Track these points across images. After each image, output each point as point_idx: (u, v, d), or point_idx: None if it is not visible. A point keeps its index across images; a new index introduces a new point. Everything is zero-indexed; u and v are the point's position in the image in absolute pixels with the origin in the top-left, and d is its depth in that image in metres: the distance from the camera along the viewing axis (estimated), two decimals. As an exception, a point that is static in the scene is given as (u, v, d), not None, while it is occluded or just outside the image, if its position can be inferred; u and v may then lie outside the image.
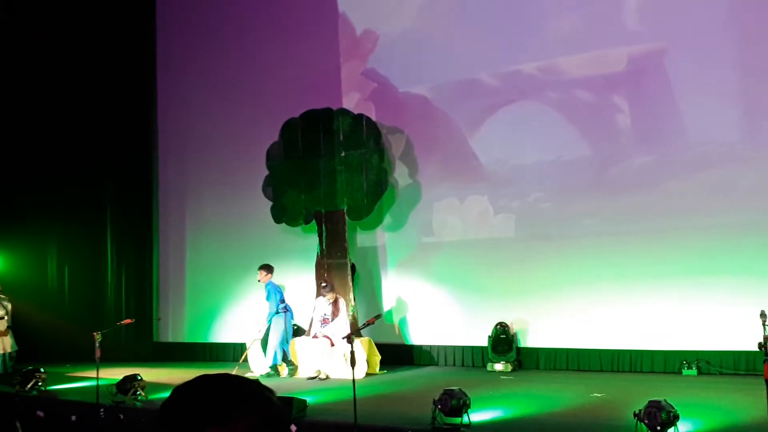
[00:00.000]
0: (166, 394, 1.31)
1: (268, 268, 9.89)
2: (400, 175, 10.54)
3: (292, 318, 9.71)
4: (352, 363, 6.03)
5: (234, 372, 9.26)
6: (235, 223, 11.89)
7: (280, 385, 8.26)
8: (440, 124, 10.37)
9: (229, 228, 11.95)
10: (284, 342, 9.62)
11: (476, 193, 10.09)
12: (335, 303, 9.57)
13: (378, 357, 9.62)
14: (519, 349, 9.56)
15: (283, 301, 9.81)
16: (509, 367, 9.34)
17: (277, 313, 9.70)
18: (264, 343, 9.72)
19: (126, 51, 12.69)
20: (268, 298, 9.79)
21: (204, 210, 12.27)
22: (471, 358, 10.01)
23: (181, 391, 1.35)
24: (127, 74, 12.64)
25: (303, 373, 9.45)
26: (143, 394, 7.83)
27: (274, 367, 9.61)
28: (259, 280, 9.90)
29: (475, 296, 9.98)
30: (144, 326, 12.29)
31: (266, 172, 10.81)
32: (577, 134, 9.48)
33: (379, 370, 9.62)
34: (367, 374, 9.32)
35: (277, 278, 10.89)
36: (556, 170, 9.55)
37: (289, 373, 9.59)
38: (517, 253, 9.76)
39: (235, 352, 11.50)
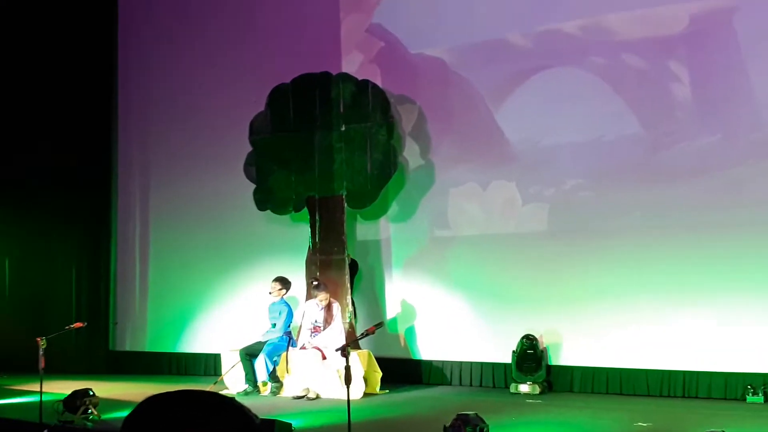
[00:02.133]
0: (124, 414, 1.32)
1: (284, 282, 9.96)
2: (410, 154, 10.52)
3: (294, 345, 9.70)
4: (347, 380, 6.03)
5: (210, 389, 9.31)
6: (210, 210, 11.91)
7: (260, 406, 8.25)
8: (460, 93, 10.36)
9: (202, 217, 11.97)
10: (275, 360, 9.62)
11: (501, 178, 10.05)
12: (328, 307, 9.59)
13: (379, 374, 9.62)
14: (549, 368, 9.57)
15: (290, 324, 9.87)
16: (537, 389, 9.34)
17: (282, 336, 9.74)
18: (246, 359, 9.72)
19: (83, 7, 12.66)
20: (276, 316, 9.82)
21: (172, 195, 12.30)
22: (491, 377, 10.01)
23: (149, 404, 1.36)
24: (81, 35, 12.61)
25: (289, 391, 9.47)
26: (96, 413, 7.83)
27: (255, 383, 9.60)
28: (270, 293, 9.92)
29: (497, 302, 9.97)
30: (98, 332, 12.33)
31: (249, 149, 10.79)
32: (625, 108, 9.44)
33: (380, 389, 9.63)
34: (365, 394, 9.32)
35: (257, 277, 10.87)
36: (598, 151, 9.53)
37: (272, 392, 9.60)
38: (550, 251, 9.73)
39: (207, 365, 11.55)
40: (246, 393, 9.60)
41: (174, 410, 1.35)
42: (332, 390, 9.20)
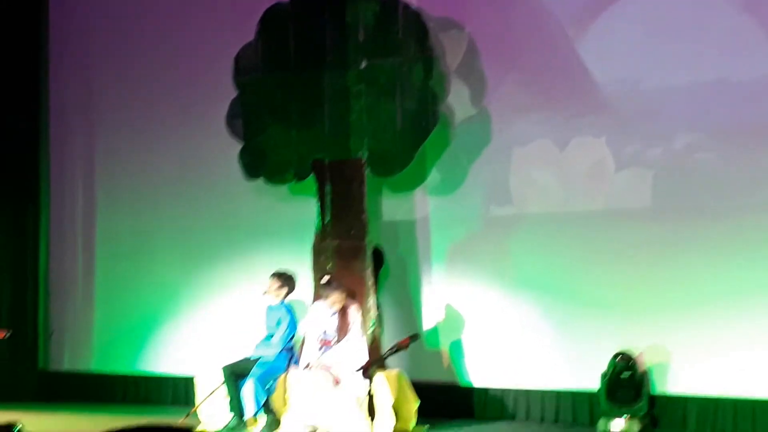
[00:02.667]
0: None
1: (286, 279, 9.95)
2: (457, 100, 10.49)
3: (296, 363, 9.71)
4: (371, 413, 5.93)
5: (180, 423, 9.26)
6: (178, 180, 11.96)
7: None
8: (526, 16, 10.38)
9: (167, 190, 12.03)
10: (269, 386, 9.62)
11: (586, 134, 10.06)
12: (343, 313, 9.59)
13: (415, 404, 9.52)
14: (653, 398, 9.55)
15: (292, 338, 9.90)
16: (636, 427, 9.31)
17: (281, 353, 9.76)
18: (231, 381, 9.68)
19: None
20: (274, 327, 9.86)
21: (126, 161, 12.35)
22: (571, 410, 10.03)
23: None
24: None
25: (289, 427, 9.40)
26: (23, 455, 7.75)
27: (241, 414, 9.60)
28: (265, 292, 9.94)
29: (579, 308, 9.97)
30: (25, 344, 12.37)
31: (233, 94, 10.80)
32: (763, 36, 9.39)
33: (416, 425, 9.54)
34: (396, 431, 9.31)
35: (245, 273, 10.86)
36: (723, 97, 9.50)
37: (265, 428, 9.57)
38: (654, 236, 9.71)
39: (176, 391, 11.56)
40: (229, 428, 9.59)
41: None
42: (349, 426, 9.05)
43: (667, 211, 9.74)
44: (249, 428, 9.64)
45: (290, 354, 9.83)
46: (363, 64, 10.29)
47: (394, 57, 10.19)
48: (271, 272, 10.01)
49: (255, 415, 9.59)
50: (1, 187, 12.69)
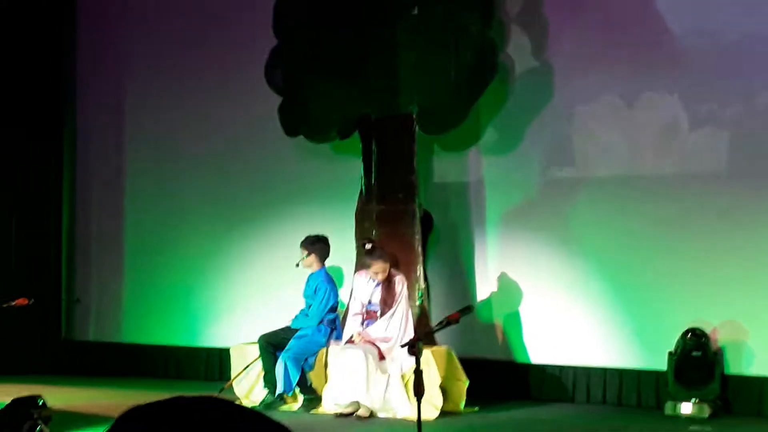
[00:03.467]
0: None
1: (316, 245, 10.04)
2: (517, 52, 10.48)
3: (338, 338, 9.82)
4: (418, 392, 6.03)
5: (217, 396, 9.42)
6: (211, 138, 12.00)
7: (289, 427, 8.27)
8: None
9: (203, 148, 12.07)
10: (308, 360, 9.74)
11: (658, 89, 10.00)
12: (388, 283, 9.65)
13: (465, 383, 9.63)
14: (726, 379, 9.53)
15: (335, 309, 9.99)
16: (707, 411, 9.30)
17: (319, 325, 9.87)
18: (268, 352, 9.79)
19: None
20: (312, 296, 9.98)
21: (154, 120, 12.39)
22: (636, 392, 10.02)
23: (130, 420, 1.44)
24: None
25: (329, 405, 9.56)
26: (47, 431, 7.92)
27: (280, 395, 9.73)
28: (298, 264, 10.06)
29: (647, 279, 9.95)
30: (48, 313, 12.51)
31: (272, 43, 10.81)
32: None
33: (466, 406, 9.65)
34: (444, 413, 9.33)
35: (285, 238, 10.91)
36: None
37: (303, 405, 9.72)
38: (731, 201, 9.67)
39: (210, 364, 11.71)
40: (265, 404, 9.71)
41: (170, 428, 1.41)
42: (394, 405, 9.23)
43: (745, 175, 9.67)
44: (287, 405, 9.78)
45: (331, 326, 9.91)
46: (414, 11, 10.27)
47: (447, 3, 10.15)
48: (300, 240, 10.11)
49: (286, 393, 9.69)
50: (24, 145, 12.78)
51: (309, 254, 10.02)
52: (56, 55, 12.84)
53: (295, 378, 9.67)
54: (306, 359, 9.76)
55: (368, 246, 9.84)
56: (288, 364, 9.64)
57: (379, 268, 9.58)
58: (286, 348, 9.72)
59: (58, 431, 8.00)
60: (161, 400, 1.47)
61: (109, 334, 12.60)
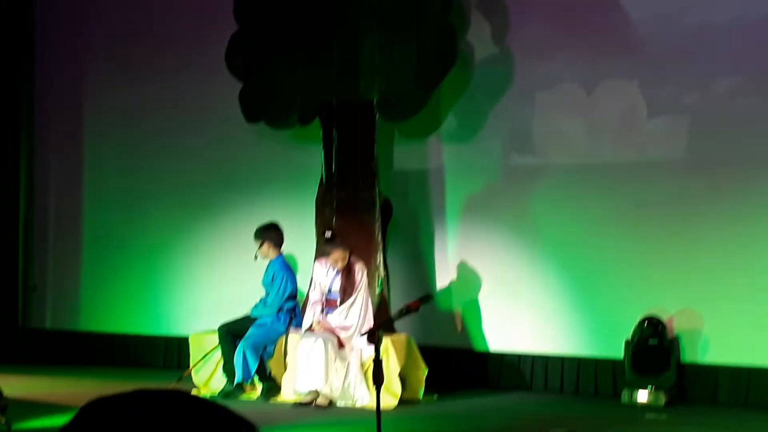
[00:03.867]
0: (48, 423, 1.33)
1: (270, 233, 10.02)
2: (477, 37, 10.48)
3: (298, 326, 9.81)
4: (377, 380, 6.02)
5: (172, 387, 9.37)
6: (172, 123, 11.95)
7: (248, 415, 8.26)
8: None
9: (159, 133, 12.03)
10: (267, 348, 9.74)
11: (617, 76, 10.04)
12: (348, 271, 9.63)
13: (424, 371, 9.67)
14: (682, 367, 9.59)
15: (294, 297, 9.97)
16: (662, 399, 9.35)
17: (278, 313, 9.86)
18: (227, 342, 9.80)
19: None
20: (270, 284, 9.96)
21: (113, 102, 12.31)
22: (593, 380, 10.08)
23: (93, 411, 1.42)
24: None
25: (288, 394, 9.56)
26: (2, 420, 7.91)
27: (239, 384, 9.71)
28: (256, 257, 10.07)
29: (604, 268, 10.01)
30: (4, 300, 12.46)
31: (233, 28, 10.75)
32: None
33: (425, 394, 9.68)
34: (403, 401, 9.35)
35: (243, 225, 10.89)
36: None
37: (262, 394, 9.72)
38: (689, 190, 9.73)
39: (168, 352, 11.67)
40: (224, 393, 9.70)
41: (132, 422, 1.41)
42: (354, 394, 9.25)
43: (704, 162, 9.71)
44: (246, 394, 9.76)
45: (290, 315, 9.90)
46: (374, -4, 10.23)
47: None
48: (256, 228, 10.07)
49: (244, 381, 9.69)
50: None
51: (262, 243, 9.99)
52: (13, 39, 12.73)
53: (253, 366, 9.65)
54: (265, 347, 9.75)
55: (328, 234, 9.81)
56: (247, 352, 9.62)
57: (338, 256, 9.56)
58: (245, 336, 9.71)
59: (14, 420, 7.94)
60: (123, 392, 1.48)
61: (66, 321, 12.52)
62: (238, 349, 9.66)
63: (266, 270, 10.07)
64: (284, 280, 9.91)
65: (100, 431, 1.42)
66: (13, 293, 12.63)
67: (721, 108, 9.67)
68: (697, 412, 9.20)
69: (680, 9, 9.77)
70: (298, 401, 9.36)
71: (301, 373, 9.39)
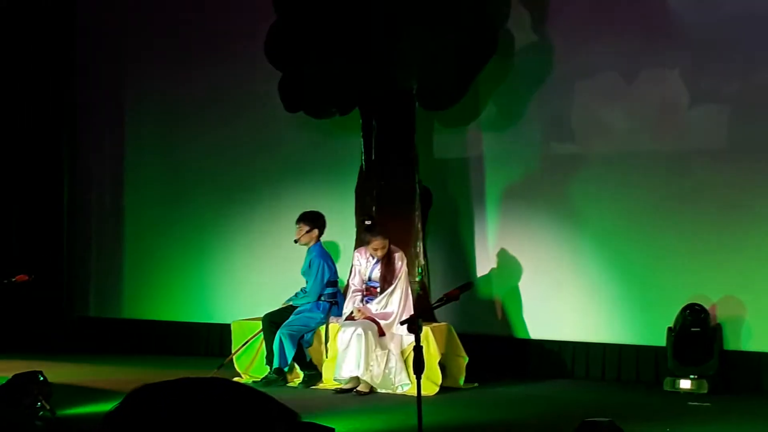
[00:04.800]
0: (90, 410, 1.37)
1: (313, 220, 10.09)
2: (517, 26, 10.48)
3: (337, 314, 9.87)
4: (418, 368, 6.03)
5: (213, 374, 9.42)
6: (212, 114, 12.02)
7: (287, 402, 8.31)
8: None
9: (199, 124, 12.09)
10: (306, 336, 9.79)
11: (658, 65, 10.00)
12: (388, 260, 9.66)
13: (464, 359, 9.68)
14: (725, 355, 9.55)
15: (334, 283, 10.01)
16: (706, 387, 9.33)
17: (318, 301, 9.92)
18: (270, 331, 9.87)
19: None
20: (309, 272, 10.02)
21: (154, 93, 12.41)
22: (634, 368, 10.06)
23: (142, 398, 1.45)
24: None
25: (329, 381, 9.63)
26: (47, 406, 7.99)
27: (279, 370, 9.76)
28: (296, 240, 10.11)
29: (646, 255, 9.99)
30: (49, 290, 12.50)
31: (273, 18, 10.78)
32: None
33: (465, 382, 9.70)
34: (444, 388, 9.39)
35: (284, 214, 10.93)
36: None
37: (303, 382, 9.78)
38: (731, 179, 9.70)
39: (210, 340, 11.74)
40: (267, 381, 9.75)
41: (177, 408, 1.44)
42: (394, 381, 9.30)
43: (745, 152, 9.67)
44: (287, 381, 9.83)
45: (330, 302, 9.94)
46: (415, -14, 10.20)
47: (447, -22, 10.09)
48: (299, 214, 10.13)
49: (281, 368, 9.73)
50: (25, 122, 12.75)
51: (311, 229, 10.03)
52: (55, 38, 12.83)
53: (290, 353, 9.68)
54: (303, 335, 9.79)
55: (368, 222, 9.86)
56: (284, 339, 9.65)
57: (378, 244, 9.60)
58: (283, 324, 9.76)
59: (56, 406, 8.03)
60: (170, 379, 1.51)
61: (108, 310, 12.63)
62: (276, 336, 9.71)
63: (305, 259, 10.13)
64: (321, 266, 9.94)
65: (146, 416, 1.45)
66: (58, 283, 12.72)
67: (762, 97, 9.61)
68: (739, 400, 9.17)
69: (721, -3, 9.72)
70: (338, 388, 9.43)
71: (342, 361, 9.45)
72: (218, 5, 11.95)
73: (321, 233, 10.10)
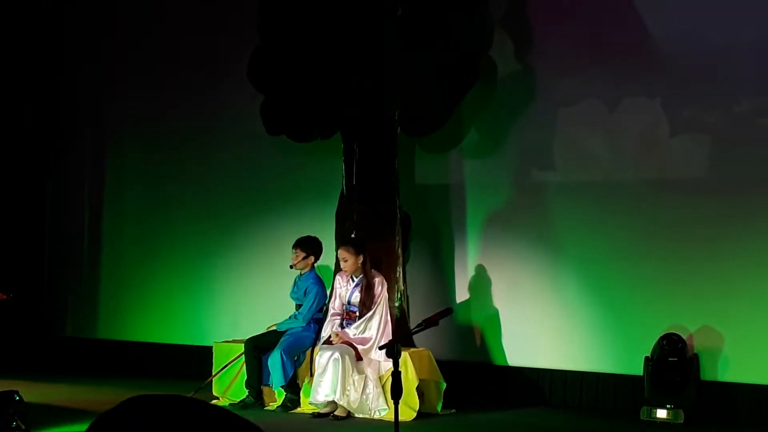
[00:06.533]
0: (70, 431, 1.41)
1: (309, 246, 10.06)
2: (500, 54, 10.49)
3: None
4: (395, 393, 6.03)
5: (191, 396, 9.42)
6: (193, 136, 12.05)
7: (265, 427, 8.27)
8: None
9: (180, 146, 12.13)
10: (301, 358, 9.80)
11: (639, 94, 10.01)
12: (368, 284, 9.64)
13: (442, 385, 9.68)
14: (702, 385, 9.54)
15: (321, 309, 10.01)
16: (682, 417, 9.30)
17: (307, 325, 9.92)
18: (252, 356, 9.86)
19: None
20: (302, 297, 10.01)
21: (135, 115, 12.43)
22: (612, 397, 10.05)
23: (133, 406, 1.51)
24: None
25: (307, 405, 9.58)
26: (23, 426, 7.96)
27: (258, 391, 9.77)
28: (292, 266, 10.08)
29: (625, 285, 10.00)
30: (27, 309, 12.51)
31: (256, 41, 10.81)
32: None
33: (443, 408, 9.69)
34: (421, 414, 9.36)
35: (265, 237, 10.93)
36: None
37: (282, 406, 9.75)
38: (711, 209, 9.69)
39: (189, 361, 11.65)
40: (244, 405, 9.73)
41: (168, 420, 1.46)
42: (371, 406, 9.28)
43: (726, 182, 9.68)
44: (267, 404, 9.79)
45: (319, 325, 9.92)
46: (399, 12, 10.24)
47: (432, 5, 10.11)
48: (293, 242, 10.09)
49: (282, 387, 9.67)
50: (8, 144, 12.80)
51: (308, 256, 10.00)
52: (42, 60, 12.88)
53: (290, 370, 9.63)
54: (298, 356, 9.78)
55: (354, 235, 9.89)
56: (284, 356, 9.60)
57: (342, 254, 9.61)
58: (279, 342, 9.68)
59: (32, 425, 8.00)
60: (165, 394, 1.54)
61: (84, 329, 12.60)
62: (273, 354, 9.61)
63: (296, 283, 10.10)
64: (318, 294, 9.93)
65: (135, 423, 1.48)
66: (36, 302, 12.71)
67: (743, 128, 9.62)
68: (716, 430, 9.18)
69: (704, 28, 9.73)
70: (316, 412, 9.40)
71: (317, 385, 9.40)
72: (201, 28, 11.95)
73: (317, 259, 10.09)
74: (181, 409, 1.52)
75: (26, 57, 12.79)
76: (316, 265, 10.12)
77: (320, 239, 10.14)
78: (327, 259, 10.48)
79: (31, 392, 8.63)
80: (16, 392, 8.17)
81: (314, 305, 9.93)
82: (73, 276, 12.84)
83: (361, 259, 9.61)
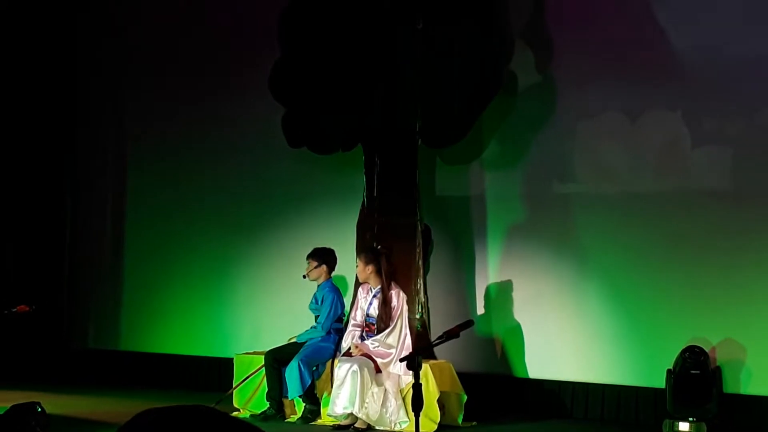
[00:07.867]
0: None
1: (323, 256, 10.12)
2: (520, 66, 10.51)
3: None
4: (416, 406, 5.99)
5: (214, 407, 9.45)
6: (215, 146, 12.08)
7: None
8: None
9: (203, 155, 12.16)
10: (319, 368, 9.81)
11: (660, 106, 10.01)
12: (385, 297, 9.63)
13: (463, 397, 9.67)
14: (724, 398, 9.51)
15: (341, 319, 10.02)
16: (704, 430, 9.26)
17: (327, 335, 9.94)
18: (273, 368, 9.88)
19: None
20: (319, 308, 10.03)
21: (156, 128, 12.48)
22: (634, 409, 10.03)
23: (149, 418, 1.54)
24: None
25: (327, 417, 9.59)
26: (45, 438, 8.00)
27: (279, 404, 9.76)
28: (305, 276, 10.13)
29: (647, 297, 9.98)
30: (49, 321, 12.53)
31: (277, 53, 10.83)
32: None
33: (463, 420, 9.68)
34: (442, 426, 9.36)
35: (287, 248, 10.96)
36: None
37: (302, 418, 9.77)
38: (733, 220, 9.68)
39: (209, 373, 11.70)
40: (264, 416, 9.75)
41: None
42: (391, 419, 9.27)
43: (748, 193, 9.68)
44: (287, 416, 9.82)
45: (339, 336, 9.93)
46: (420, 26, 10.25)
47: (452, 17, 10.14)
48: (307, 253, 10.16)
49: (298, 396, 9.69)
50: (26, 151, 12.80)
51: (320, 265, 10.06)
52: (60, 66, 12.92)
53: (308, 380, 9.65)
54: (317, 366, 9.81)
55: (377, 245, 9.89)
56: (302, 366, 9.63)
57: (360, 265, 9.64)
58: (297, 355, 9.70)
59: (55, 437, 8.09)
60: (178, 405, 1.57)
61: (107, 341, 12.65)
62: (291, 363, 9.63)
63: (314, 294, 10.14)
64: (334, 302, 9.96)
65: None
66: (59, 314, 12.74)
67: (764, 139, 9.62)
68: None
69: (723, 40, 9.72)
70: (336, 424, 9.40)
71: (335, 397, 9.40)
72: (222, 39, 11.96)
73: (331, 269, 10.12)
74: (200, 420, 1.52)
75: (43, 63, 12.82)
76: (332, 275, 10.14)
77: (335, 250, 10.16)
78: (347, 270, 10.49)
79: (53, 404, 8.64)
80: (38, 404, 8.19)
81: (332, 312, 9.95)
82: (95, 287, 12.88)
83: (370, 268, 9.62)
